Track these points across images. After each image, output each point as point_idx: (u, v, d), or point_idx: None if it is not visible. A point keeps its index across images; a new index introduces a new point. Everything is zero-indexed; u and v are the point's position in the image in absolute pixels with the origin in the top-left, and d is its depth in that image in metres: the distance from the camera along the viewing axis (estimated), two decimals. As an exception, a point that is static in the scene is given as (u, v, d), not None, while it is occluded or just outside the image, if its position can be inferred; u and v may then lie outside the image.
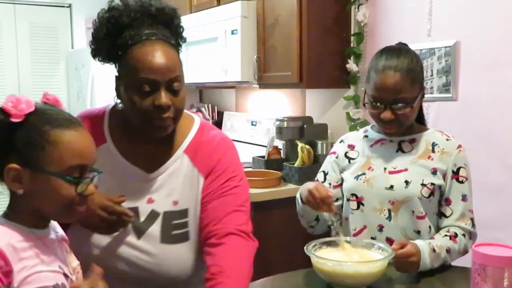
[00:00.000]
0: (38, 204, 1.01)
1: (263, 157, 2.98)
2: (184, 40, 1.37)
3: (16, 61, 4.47)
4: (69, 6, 4.65)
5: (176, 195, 1.33)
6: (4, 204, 1.04)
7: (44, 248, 1.02)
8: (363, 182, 1.60)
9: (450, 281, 1.44)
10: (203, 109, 3.93)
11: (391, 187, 1.55)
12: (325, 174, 1.73)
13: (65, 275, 1.04)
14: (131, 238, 1.31)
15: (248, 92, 3.76)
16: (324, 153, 2.76)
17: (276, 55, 2.89)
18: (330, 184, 1.71)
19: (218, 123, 3.86)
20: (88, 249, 1.31)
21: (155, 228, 1.31)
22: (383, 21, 2.66)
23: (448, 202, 1.56)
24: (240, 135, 3.60)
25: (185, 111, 1.37)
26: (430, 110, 2.42)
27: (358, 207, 1.61)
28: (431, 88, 2.39)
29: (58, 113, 1.04)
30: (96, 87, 3.79)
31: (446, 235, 1.51)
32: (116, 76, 1.32)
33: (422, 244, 1.42)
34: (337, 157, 1.72)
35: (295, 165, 2.76)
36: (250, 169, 2.95)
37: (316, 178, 1.76)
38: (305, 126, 2.86)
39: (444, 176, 1.56)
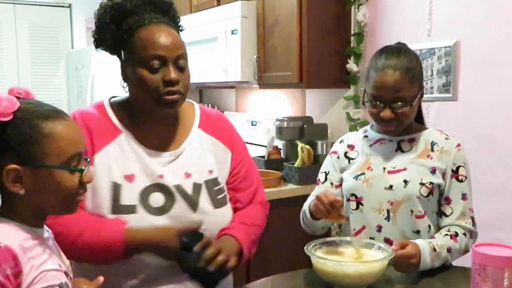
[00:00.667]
0: (39, 200, 1.00)
1: (263, 157, 2.98)
2: (182, 29, 1.43)
3: (16, 61, 4.47)
4: (69, 6, 4.65)
5: (209, 165, 1.43)
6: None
7: (45, 246, 1.02)
8: (363, 182, 1.60)
9: (450, 281, 1.44)
10: (203, 109, 3.93)
11: (390, 187, 1.55)
12: (326, 174, 1.73)
13: (65, 274, 1.04)
14: (188, 213, 1.36)
15: (248, 92, 3.76)
16: (324, 153, 2.76)
17: (276, 55, 2.89)
18: (332, 183, 1.71)
19: (218, 123, 3.86)
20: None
21: (204, 197, 1.39)
22: (383, 21, 2.66)
23: (448, 201, 1.56)
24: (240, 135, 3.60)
25: None
26: (430, 110, 2.42)
27: (357, 207, 1.61)
28: (431, 88, 2.39)
29: (41, 106, 1.02)
30: (96, 87, 3.78)
31: (446, 234, 1.51)
32: (121, 62, 1.37)
33: (423, 244, 1.42)
34: (338, 157, 1.72)
35: (295, 165, 2.76)
36: (250, 169, 2.95)
37: (318, 179, 1.76)
38: (305, 126, 2.86)
39: (443, 175, 1.56)
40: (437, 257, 1.44)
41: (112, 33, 1.35)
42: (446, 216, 1.56)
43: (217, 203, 1.41)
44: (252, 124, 3.54)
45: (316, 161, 2.78)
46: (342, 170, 1.70)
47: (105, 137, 1.35)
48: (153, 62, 1.28)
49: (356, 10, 2.78)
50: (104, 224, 1.29)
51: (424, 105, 1.78)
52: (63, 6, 4.63)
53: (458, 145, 1.59)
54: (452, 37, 2.30)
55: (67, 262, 1.11)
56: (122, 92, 1.47)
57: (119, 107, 1.42)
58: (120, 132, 1.37)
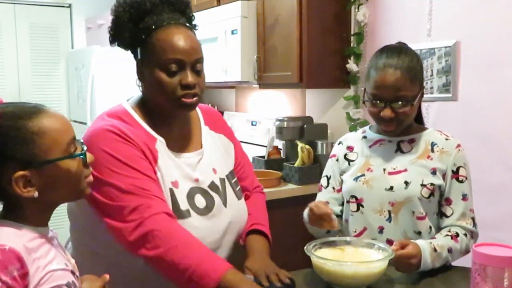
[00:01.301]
0: (53, 196, 1.00)
1: (263, 157, 2.98)
2: (196, 29, 1.43)
3: (16, 61, 4.46)
4: (69, 6, 4.64)
5: (224, 161, 1.49)
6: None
7: (50, 246, 1.02)
8: (363, 183, 1.59)
9: (451, 281, 1.43)
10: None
11: (391, 188, 1.55)
12: (328, 179, 1.72)
13: (72, 272, 1.04)
14: (222, 208, 1.41)
15: (248, 92, 3.76)
16: (324, 153, 2.76)
17: (276, 55, 2.89)
18: (334, 188, 1.70)
19: (218, 123, 3.86)
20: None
21: (230, 191, 1.45)
22: (383, 21, 2.66)
23: (448, 201, 1.56)
24: (240, 135, 3.60)
25: None
26: (430, 110, 2.42)
27: (357, 209, 1.60)
28: (431, 88, 2.39)
29: (18, 106, 1.01)
30: (96, 87, 3.78)
31: (447, 235, 1.50)
32: (138, 60, 1.36)
33: (423, 244, 1.42)
34: (337, 160, 1.71)
35: (295, 165, 2.76)
36: (250, 169, 2.95)
37: (320, 184, 1.75)
38: (305, 126, 2.85)
39: (443, 176, 1.55)
40: (437, 258, 1.43)
41: (130, 31, 1.35)
42: (447, 217, 1.56)
43: (239, 195, 1.48)
44: (252, 124, 3.54)
45: (316, 161, 2.78)
46: (342, 173, 1.69)
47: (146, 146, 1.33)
48: (171, 66, 1.29)
49: (356, 10, 2.78)
50: (211, 255, 1.25)
51: (424, 105, 1.78)
52: (63, 6, 4.63)
53: (458, 145, 1.59)
54: (452, 37, 2.30)
55: (73, 261, 1.11)
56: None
57: (140, 109, 1.40)
58: (156, 139, 1.36)
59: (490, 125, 2.19)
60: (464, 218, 1.54)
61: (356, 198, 1.60)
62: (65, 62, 4.66)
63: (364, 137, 1.70)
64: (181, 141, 1.42)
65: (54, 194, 1.01)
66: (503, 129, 2.14)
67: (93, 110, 3.77)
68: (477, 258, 1.20)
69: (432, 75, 2.38)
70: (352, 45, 2.83)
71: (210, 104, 4.01)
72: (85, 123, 3.91)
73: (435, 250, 1.43)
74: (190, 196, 1.36)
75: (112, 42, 1.39)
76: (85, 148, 1.06)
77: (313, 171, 2.75)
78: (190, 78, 1.30)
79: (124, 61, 4.13)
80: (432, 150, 1.58)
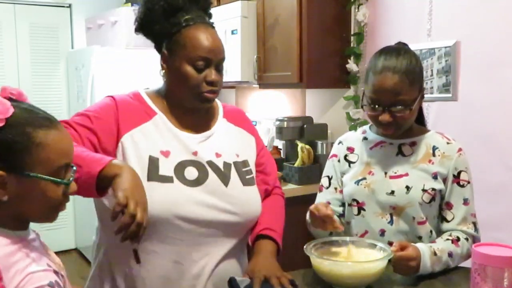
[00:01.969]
0: (21, 208, 0.98)
1: (263, 157, 2.97)
2: (213, 27, 1.49)
3: (16, 61, 4.46)
4: (69, 6, 4.64)
5: (236, 150, 1.51)
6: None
7: (31, 247, 1.00)
8: (364, 187, 1.57)
9: (451, 282, 1.43)
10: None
11: (392, 192, 1.53)
12: (330, 179, 1.70)
13: (55, 272, 1.02)
14: (221, 187, 1.42)
15: (248, 92, 3.76)
16: (324, 153, 2.76)
17: (276, 55, 2.89)
18: (336, 189, 1.68)
19: (218, 123, 3.86)
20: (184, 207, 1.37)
21: (235, 175, 1.46)
22: (383, 21, 2.66)
23: (449, 206, 1.54)
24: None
25: None
26: (430, 110, 2.42)
27: (359, 213, 1.59)
28: (431, 88, 2.39)
29: (34, 112, 0.99)
30: (96, 87, 3.78)
31: (448, 239, 1.49)
32: (164, 51, 1.43)
33: (423, 247, 1.41)
34: (338, 160, 1.69)
35: (295, 165, 2.76)
36: (250, 169, 2.95)
37: (320, 184, 1.73)
38: (305, 126, 2.85)
39: (444, 180, 1.54)
40: (437, 262, 1.42)
41: (161, 24, 1.42)
42: (447, 221, 1.54)
43: (246, 182, 1.48)
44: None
45: (316, 161, 2.78)
46: (343, 174, 1.67)
47: (141, 117, 1.42)
48: (199, 63, 1.38)
49: (356, 10, 2.78)
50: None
51: (424, 105, 1.76)
52: (63, 6, 4.63)
53: (460, 149, 1.56)
54: (452, 37, 2.30)
55: (57, 259, 1.10)
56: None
57: (153, 95, 1.49)
58: (156, 113, 1.44)
59: (490, 125, 2.19)
60: (465, 222, 1.53)
61: (357, 202, 1.58)
62: (65, 62, 4.66)
63: (365, 138, 1.67)
64: (191, 123, 1.47)
65: (22, 207, 0.98)
66: (503, 129, 2.14)
67: (93, 110, 3.76)
68: (477, 258, 1.20)
69: (432, 75, 2.38)
70: (352, 45, 2.83)
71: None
72: (85, 123, 3.90)
73: (435, 253, 1.41)
74: (180, 166, 1.39)
75: (138, 30, 1.47)
76: (73, 177, 1.02)
77: (313, 171, 2.75)
78: (214, 75, 1.39)
79: (124, 61, 4.12)
80: (434, 154, 1.55)
